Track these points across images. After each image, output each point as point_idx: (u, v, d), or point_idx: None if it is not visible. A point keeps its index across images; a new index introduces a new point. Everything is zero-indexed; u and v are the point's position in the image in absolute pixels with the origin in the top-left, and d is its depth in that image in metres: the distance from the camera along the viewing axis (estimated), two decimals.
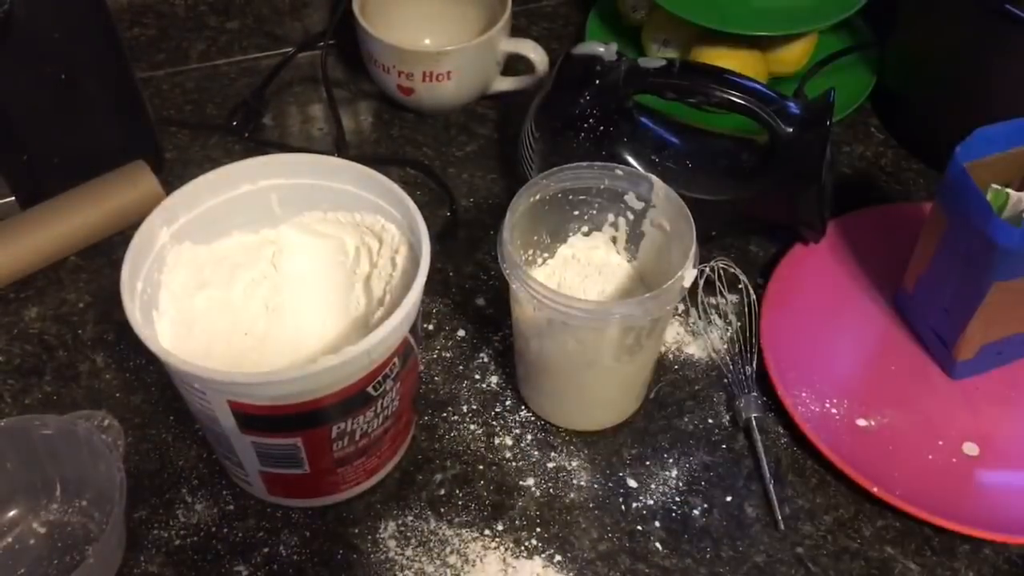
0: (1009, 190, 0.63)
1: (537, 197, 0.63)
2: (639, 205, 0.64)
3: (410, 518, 0.64)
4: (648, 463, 0.66)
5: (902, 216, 0.76)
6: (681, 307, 0.74)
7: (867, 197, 0.80)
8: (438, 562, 0.62)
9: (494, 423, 0.68)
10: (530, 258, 0.67)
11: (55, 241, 0.75)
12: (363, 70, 0.88)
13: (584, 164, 0.63)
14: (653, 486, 0.65)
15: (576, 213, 0.66)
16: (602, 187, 0.64)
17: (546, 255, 0.68)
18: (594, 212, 0.66)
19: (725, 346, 0.72)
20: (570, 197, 0.65)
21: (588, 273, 0.67)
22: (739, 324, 0.73)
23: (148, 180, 0.77)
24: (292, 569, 0.61)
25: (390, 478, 0.65)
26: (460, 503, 0.64)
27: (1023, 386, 0.70)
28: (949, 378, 0.70)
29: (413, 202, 0.59)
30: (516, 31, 0.88)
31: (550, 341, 0.62)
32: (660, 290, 0.57)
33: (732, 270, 0.74)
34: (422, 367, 0.70)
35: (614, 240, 0.67)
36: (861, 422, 0.67)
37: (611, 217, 0.66)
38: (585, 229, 0.67)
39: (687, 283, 0.58)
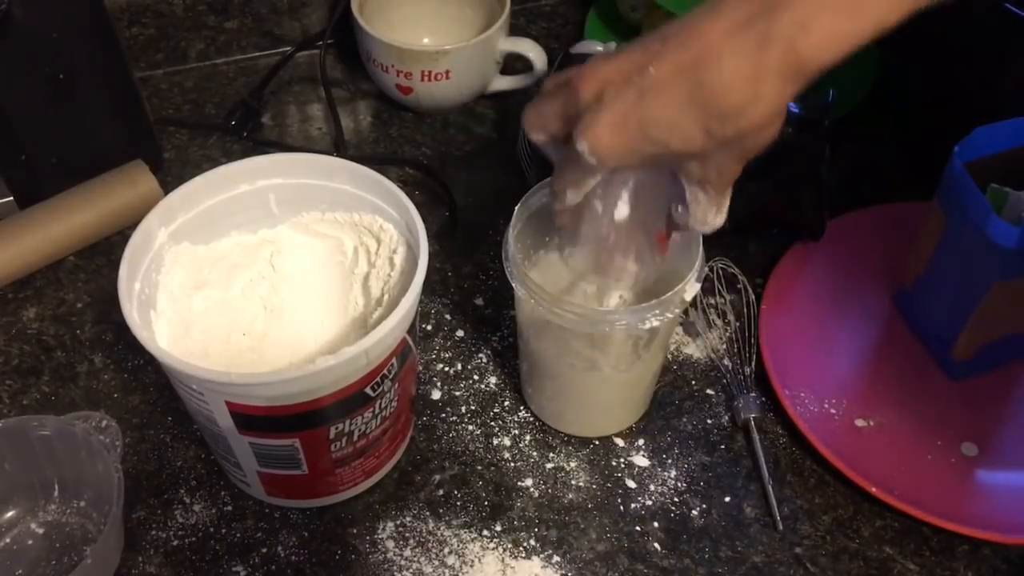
0: (1008, 189, 0.63)
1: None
2: None
3: (408, 519, 0.64)
4: (646, 464, 0.66)
5: (901, 216, 0.76)
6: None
7: (867, 197, 0.80)
8: (436, 562, 0.62)
9: (492, 424, 0.68)
10: (542, 259, 0.67)
11: (53, 241, 0.75)
12: (362, 69, 0.88)
13: None
14: (652, 487, 0.65)
15: None
16: None
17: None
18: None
19: (724, 346, 0.72)
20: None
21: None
22: (738, 324, 0.73)
23: (146, 180, 0.77)
24: (290, 569, 0.61)
25: (388, 479, 0.65)
26: (459, 504, 0.64)
27: (1022, 386, 0.70)
28: (948, 378, 0.70)
29: (411, 202, 0.59)
30: (515, 30, 0.88)
31: (548, 343, 0.62)
32: (658, 301, 0.57)
33: (731, 270, 0.74)
34: (420, 367, 0.70)
35: None
36: (860, 422, 0.67)
37: None
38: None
39: (688, 297, 0.58)
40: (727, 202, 0.53)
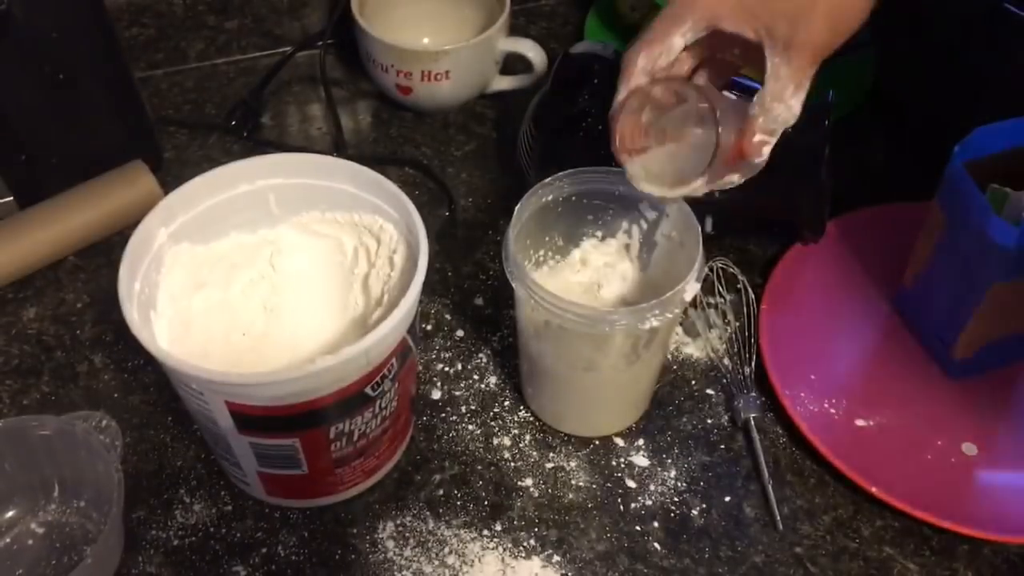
0: (1008, 189, 0.63)
1: (550, 198, 0.63)
2: (653, 215, 0.64)
3: (408, 518, 0.64)
4: (646, 463, 0.66)
5: (901, 216, 0.76)
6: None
7: (866, 197, 0.80)
8: (436, 562, 0.62)
9: (492, 423, 0.68)
10: (541, 259, 0.67)
11: (53, 241, 0.75)
12: (362, 70, 0.88)
13: (600, 168, 0.63)
14: (652, 486, 0.65)
15: (590, 218, 0.66)
16: (617, 193, 0.64)
17: (558, 257, 0.68)
18: (608, 218, 0.66)
19: (724, 346, 0.72)
20: (584, 201, 0.64)
21: (600, 279, 0.67)
22: (738, 324, 0.73)
23: (146, 180, 0.77)
24: (290, 569, 0.61)
25: (388, 478, 0.65)
26: (459, 503, 0.64)
27: (1022, 386, 0.70)
28: (948, 378, 0.70)
29: (411, 202, 0.59)
30: (515, 30, 0.88)
31: (548, 343, 0.62)
32: (658, 301, 0.57)
33: (731, 270, 0.74)
34: (420, 367, 0.70)
35: (627, 248, 0.67)
36: (860, 422, 0.67)
37: (625, 224, 0.66)
38: (599, 235, 0.67)
39: (688, 297, 0.58)
40: (804, 92, 0.52)
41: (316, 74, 0.89)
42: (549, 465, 0.66)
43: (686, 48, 0.56)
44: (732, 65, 0.59)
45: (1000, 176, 0.64)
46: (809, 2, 0.50)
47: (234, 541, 0.63)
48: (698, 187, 0.57)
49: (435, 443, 0.67)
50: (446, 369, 0.71)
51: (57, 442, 0.61)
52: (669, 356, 0.72)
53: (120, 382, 0.70)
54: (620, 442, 0.67)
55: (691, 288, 0.58)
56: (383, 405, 0.59)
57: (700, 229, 0.59)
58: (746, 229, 0.79)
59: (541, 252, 0.67)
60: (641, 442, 0.67)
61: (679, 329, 0.73)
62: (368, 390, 0.56)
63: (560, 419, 0.68)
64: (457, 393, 0.70)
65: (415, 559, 0.62)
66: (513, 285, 0.59)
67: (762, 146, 0.55)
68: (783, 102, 0.53)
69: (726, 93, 0.55)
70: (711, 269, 0.74)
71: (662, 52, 0.53)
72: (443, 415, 0.69)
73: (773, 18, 0.51)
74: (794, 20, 0.50)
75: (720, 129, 0.54)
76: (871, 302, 0.74)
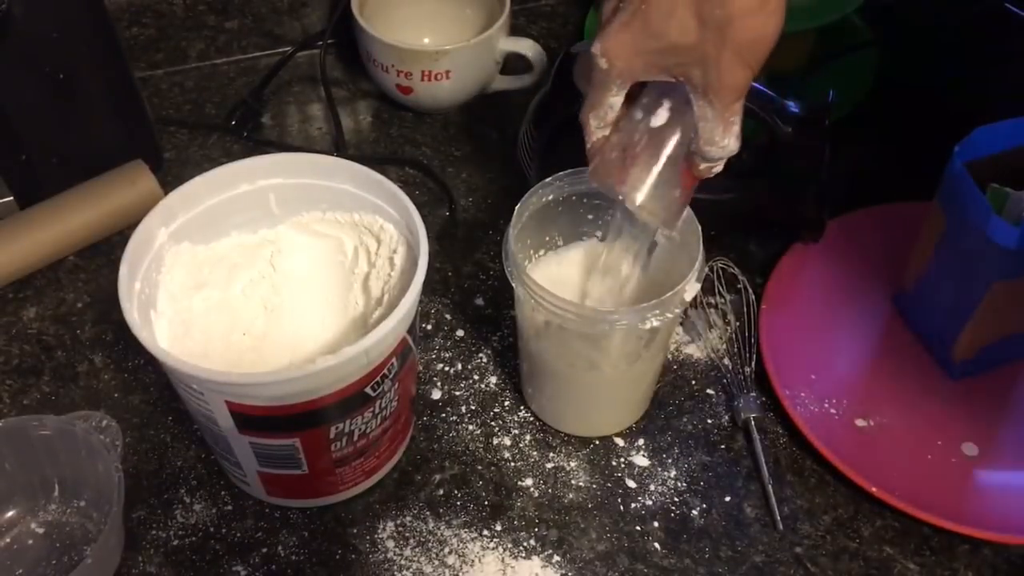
0: (1008, 189, 0.63)
1: (550, 198, 0.63)
2: None
3: (409, 518, 0.64)
4: (647, 463, 0.66)
5: (902, 216, 0.76)
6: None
7: (867, 197, 0.80)
8: (436, 562, 0.62)
9: (493, 423, 0.68)
10: (541, 258, 0.67)
11: (54, 241, 0.75)
12: (362, 69, 0.88)
13: None
14: (652, 486, 0.65)
15: (591, 217, 0.66)
16: None
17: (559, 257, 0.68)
18: (608, 218, 0.66)
19: (724, 346, 0.72)
20: (584, 201, 0.64)
21: (600, 279, 0.67)
22: (738, 324, 0.73)
23: (147, 180, 0.77)
24: (290, 569, 0.61)
25: (389, 478, 0.65)
26: (459, 503, 0.64)
27: (1022, 386, 0.70)
28: (948, 378, 0.70)
29: (411, 202, 0.59)
30: (515, 30, 0.88)
31: (548, 343, 0.62)
32: (658, 301, 0.57)
33: (731, 270, 0.74)
34: (420, 367, 0.70)
35: (628, 248, 0.67)
36: (860, 422, 0.67)
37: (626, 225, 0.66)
38: (600, 234, 0.67)
39: (688, 297, 0.58)
40: (737, 125, 0.53)
41: (316, 74, 0.89)
42: (549, 465, 0.66)
43: None
44: None
45: (1000, 176, 0.64)
46: (714, 47, 0.50)
47: (234, 541, 0.63)
48: (680, 224, 0.58)
49: (435, 443, 0.67)
50: (446, 369, 0.71)
51: (57, 442, 0.61)
52: (669, 356, 0.72)
53: (120, 382, 0.70)
54: (620, 442, 0.67)
55: (691, 288, 0.58)
56: (383, 405, 0.59)
57: (701, 229, 0.59)
58: (746, 229, 0.79)
59: (541, 252, 0.67)
60: (641, 442, 0.67)
61: (679, 329, 0.73)
62: (368, 390, 0.56)
63: (560, 419, 0.68)
64: (457, 393, 0.70)
65: (415, 559, 0.62)
66: (513, 285, 0.59)
67: (711, 170, 0.56)
68: (715, 145, 0.53)
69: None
70: (711, 269, 0.74)
71: (605, 111, 0.56)
72: (443, 415, 0.69)
73: (684, 67, 0.51)
74: (704, 66, 0.51)
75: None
76: (871, 302, 0.74)
